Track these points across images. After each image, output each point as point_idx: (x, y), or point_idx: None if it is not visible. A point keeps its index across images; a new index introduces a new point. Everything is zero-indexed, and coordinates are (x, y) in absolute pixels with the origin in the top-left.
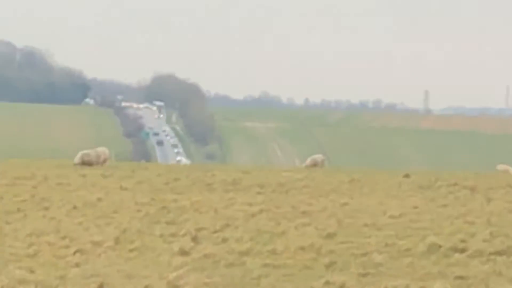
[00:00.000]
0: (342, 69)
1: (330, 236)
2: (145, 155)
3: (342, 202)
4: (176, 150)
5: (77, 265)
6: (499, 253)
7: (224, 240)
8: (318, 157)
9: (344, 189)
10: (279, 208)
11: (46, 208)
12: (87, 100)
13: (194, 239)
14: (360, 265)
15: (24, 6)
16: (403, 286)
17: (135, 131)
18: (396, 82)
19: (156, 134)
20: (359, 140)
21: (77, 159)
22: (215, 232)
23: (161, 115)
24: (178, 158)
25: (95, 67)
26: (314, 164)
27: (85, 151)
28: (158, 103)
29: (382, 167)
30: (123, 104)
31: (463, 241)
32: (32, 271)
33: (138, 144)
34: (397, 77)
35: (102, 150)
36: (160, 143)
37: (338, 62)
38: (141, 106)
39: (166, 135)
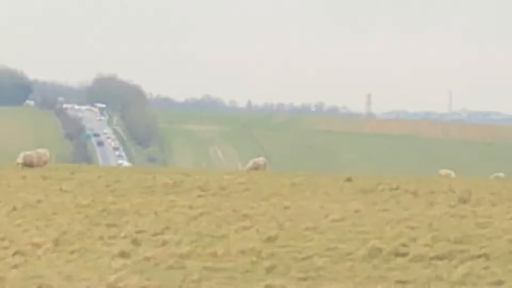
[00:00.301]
0: (285, 71)
1: (271, 239)
2: (86, 157)
3: (284, 206)
4: (117, 153)
5: (16, 266)
6: (440, 257)
7: (165, 243)
8: (260, 160)
9: (286, 192)
10: (220, 211)
11: None
12: (28, 101)
13: (134, 241)
14: (301, 269)
15: None
16: None
17: (76, 132)
18: (338, 85)
19: (96, 135)
20: (301, 144)
21: (19, 159)
22: (156, 234)
23: (103, 117)
24: (120, 161)
25: (37, 68)
26: (256, 167)
27: (27, 152)
28: (99, 105)
29: (325, 170)
30: (64, 105)
31: (404, 245)
32: None
33: (79, 146)
34: (340, 80)
35: (43, 152)
36: (100, 143)
37: (280, 64)
38: (83, 108)
39: (108, 138)
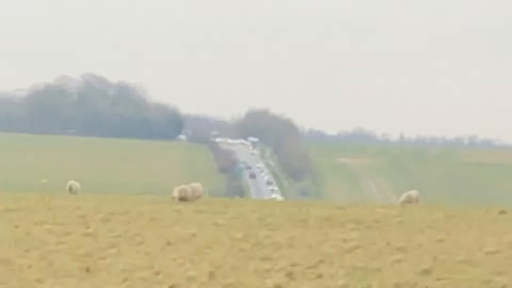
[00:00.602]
0: (438, 105)
1: (425, 272)
2: (239, 191)
3: (438, 239)
4: (270, 188)
5: None
6: None
7: (319, 276)
8: (413, 193)
9: (440, 225)
10: (374, 244)
11: (140, 244)
12: (181, 136)
13: (289, 275)
14: None
15: (117, 41)
16: None
17: (228, 166)
18: (492, 118)
19: (249, 168)
20: (454, 176)
21: (175, 192)
22: (310, 268)
23: (255, 151)
24: (273, 195)
25: (189, 102)
26: (409, 201)
27: (182, 186)
28: (252, 139)
29: (478, 203)
30: (217, 139)
31: None
32: None
33: (231, 180)
34: (493, 113)
35: (196, 186)
36: (253, 176)
37: (433, 98)
38: (236, 142)
39: (261, 172)
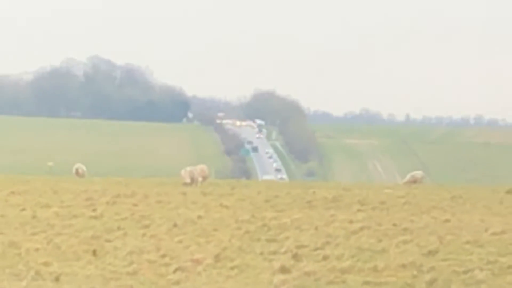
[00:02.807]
0: (443, 85)
1: (431, 253)
2: (245, 173)
3: (444, 219)
4: (279, 176)
5: (177, 283)
6: None
7: (325, 258)
8: (418, 173)
9: (446, 206)
10: (380, 226)
11: (147, 226)
12: (187, 117)
13: (295, 256)
14: (462, 282)
15: (123, 25)
16: None
17: (235, 148)
18: (497, 98)
19: (250, 142)
20: (460, 156)
21: (187, 178)
22: (316, 249)
23: (262, 136)
24: (279, 176)
25: (195, 84)
26: (413, 181)
27: (188, 168)
28: (258, 121)
29: (484, 183)
30: (224, 121)
31: None
32: None
33: (237, 162)
34: (498, 93)
35: (202, 168)
36: (255, 149)
37: (439, 78)
38: (244, 123)
39: (270, 158)
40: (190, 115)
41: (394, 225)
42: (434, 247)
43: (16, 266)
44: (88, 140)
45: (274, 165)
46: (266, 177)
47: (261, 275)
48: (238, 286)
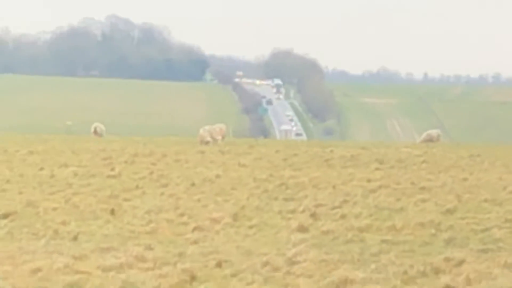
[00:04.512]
0: (461, 43)
1: (449, 211)
2: (263, 132)
3: (462, 178)
4: (293, 124)
5: (195, 242)
6: None
7: (343, 217)
8: (434, 132)
9: (464, 164)
10: (398, 184)
11: (165, 185)
12: (205, 76)
13: (313, 215)
14: (480, 240)
15: None
16: None
17: (253, 107)
18: None
19: (268, 101)
20: (478, 115)
21: (207, 137)
22: (334, 208)
23: (281, 96)
24: (297, 135)
25: (213, 43)
26: (430, 139)
27: (207, 127)
28: (276, 81)
29: (502, 142)
30: (242, 80)
31: None
32: (150, 248)
33: (256, 121)
34: None
35: (221, 127)
36: (269, 102)
37: (457, 36)
38: (264, 82)
39: (291, 120)
40: (208, 74)
41: (412, 183)
42: (452, 205)
43: (34, 225)
44: (106, 100)
45: (294, 129)
46: (284, 127)
47: (279, 233)
48: (256, 245)
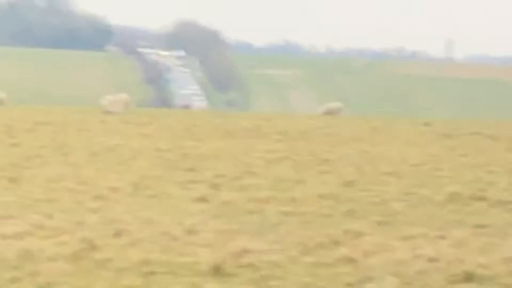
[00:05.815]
0: (365, 17)
1: (349, 184)
2: (166, 102)
3: (363, 150)
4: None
5: (95, 211)
6: None
7: (243, 187)
8: (334, 105)
9: (365, 137)
10: (299, 156)
11: (66, 154)
12: (108, 46)
13: (213, 186)
14: (379, 213)
15: None
16: (421, 235)
17: (156, 77)
18: (419, 30)
19: (168, 70)
20: (381, 88)
21: (109, 107)
22: (235, 179)
23: (186, 70)
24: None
25: (117, 13)
26: (330, 112)
27: (109, 97)
28: (179, 52)
29: (404, 115)
30: (146, 50)
31: (483, 190)
32: (50, 217)
33: (158, 91)
34: (420, 25)
35: (123, 97)
36: (171, 72)
37: (360, 10)
38: (167, 53)
39: (193, 91)
40: (111, 44)
41: (313, 155)
42: (352, 177)
43: None
44: (8, 68)
45: (197, 98)
46: (183, 92)
47: (179, 204)
48: (155, 215)
